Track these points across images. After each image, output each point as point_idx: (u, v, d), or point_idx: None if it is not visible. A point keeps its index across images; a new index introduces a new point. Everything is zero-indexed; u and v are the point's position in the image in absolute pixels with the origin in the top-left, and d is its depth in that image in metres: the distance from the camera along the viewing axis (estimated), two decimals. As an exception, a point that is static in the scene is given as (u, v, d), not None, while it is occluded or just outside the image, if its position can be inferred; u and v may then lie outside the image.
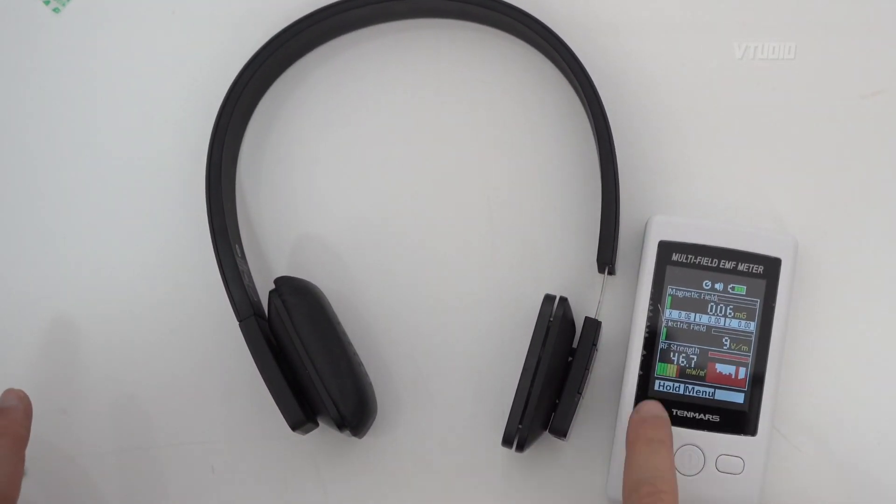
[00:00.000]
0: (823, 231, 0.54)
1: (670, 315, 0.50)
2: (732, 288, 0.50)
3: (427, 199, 0.55)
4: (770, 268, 0.50)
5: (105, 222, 0.56)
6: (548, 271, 0.54)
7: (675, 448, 0.49)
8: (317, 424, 0.51)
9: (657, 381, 0.50)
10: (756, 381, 0.50)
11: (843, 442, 0.52)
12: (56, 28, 0.59)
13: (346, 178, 0.56)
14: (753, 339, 0.50)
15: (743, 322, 0.50)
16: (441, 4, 0.56)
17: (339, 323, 0.52)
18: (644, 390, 0.50)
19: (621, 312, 0.53)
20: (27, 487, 0.54)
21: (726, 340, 0.50)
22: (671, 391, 0.50)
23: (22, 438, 0.49)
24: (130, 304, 0.55)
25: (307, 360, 0.49)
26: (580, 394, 0.49)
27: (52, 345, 0.55)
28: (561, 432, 0.49)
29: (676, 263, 0.51)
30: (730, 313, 0.50)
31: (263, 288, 0.52)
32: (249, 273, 0.53)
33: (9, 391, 0.50)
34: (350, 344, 0.52)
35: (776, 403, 0.50)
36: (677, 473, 0.48)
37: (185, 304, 0.55)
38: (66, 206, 0.57)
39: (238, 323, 0.50)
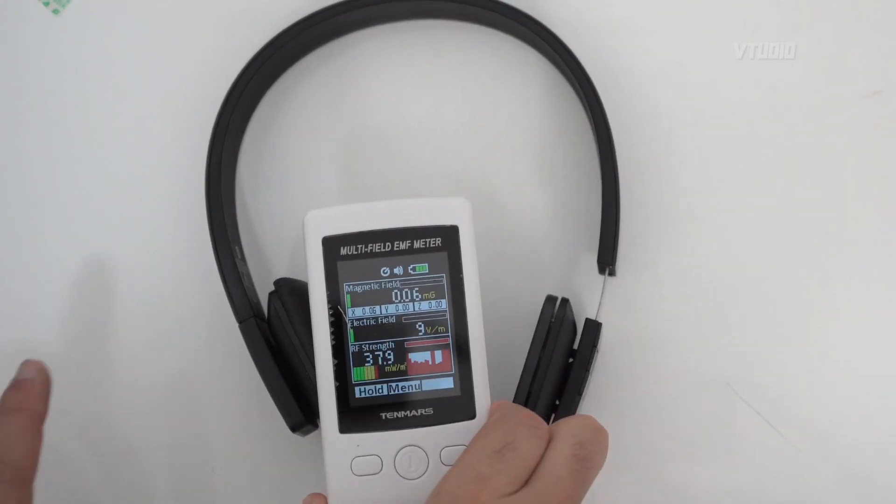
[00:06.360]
0: (824, 231, 0.54)
1: (354, 314, 0.45)
2: (413, 269, 0.45)
3: (427, 200, 0.55)
4: (448, 237, 0.45)
5: (104, 223, 0.56)
6: (548, 272, 0.54)
7: (393, 453, 0.45)
8: (316, 426, 0.51)
9: (357, 388, 0.45)
10: (462, 361, 0.45)
11: (843, 442, 0.52)
12: (56, 29, 0.59)
13: (345, 178, 0.56)
14: (448, 316, 0.45)
15: (433, 302, 0.45)
16: (441, 5, 0.56)
17: (339, 324, 0.52)
18: (345, 401, 0.45)
19: (622, 314, 0.53)
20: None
21: (420, 326, 0.45)
22: (375, 395, 0.45)
23: (40, 414, 0.46)
24: (129, 306, 0.55)
25: (306, 362, 0.49)
26: (580, 395, 0.49)
27: (51, 345, 0.55)
28: (561, 433, 0.49)
29: (347, 257, 0.45)
30: (417, 296, 0.45)
31: (263, 289, 0.52)
32: (249, 274, 0.53)
33: (27, 363, 0.48)
34: (350, 345, 0.52)
35: (489, 379, 0.45)
36: (400, 479, 0.45)
37: (185, 306, 0.55)
38: (65, 207, 0.57)
39: (238, 324, 0.50)
